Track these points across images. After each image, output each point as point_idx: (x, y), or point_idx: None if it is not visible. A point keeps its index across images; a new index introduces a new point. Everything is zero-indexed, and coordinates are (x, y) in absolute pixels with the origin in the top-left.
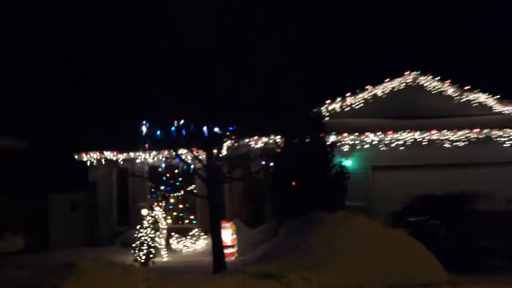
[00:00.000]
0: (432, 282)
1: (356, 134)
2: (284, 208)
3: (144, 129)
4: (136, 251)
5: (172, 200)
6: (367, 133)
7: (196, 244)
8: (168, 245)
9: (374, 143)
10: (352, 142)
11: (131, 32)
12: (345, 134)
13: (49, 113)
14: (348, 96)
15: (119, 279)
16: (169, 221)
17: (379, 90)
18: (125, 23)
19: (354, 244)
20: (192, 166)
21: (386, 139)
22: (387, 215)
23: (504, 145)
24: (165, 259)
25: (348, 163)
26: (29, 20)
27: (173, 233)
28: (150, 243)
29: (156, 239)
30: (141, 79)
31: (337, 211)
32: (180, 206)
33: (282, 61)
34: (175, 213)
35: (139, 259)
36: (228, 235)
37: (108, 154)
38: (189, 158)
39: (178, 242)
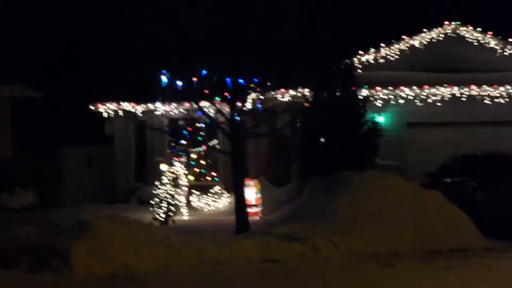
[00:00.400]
0: (469, 247)
1: (391, 88)
2: (311, 166)
3: (164, 79)
4: (155, 209)
5: (193, 156)
6: (402, 87)
7: (218, 202)
8: (188, 203)
9: (409, 98)
10: (386, 96)
11: None
12: (379, 88)
13: (63, 61)
14: (382, 47)
15: (136, 239)
16: (190, 177)
17: (416, 41)
18: None
19: (386, 206)
20: (214, 120)
21: (423, 93)
22: (423, 176)
23: None
24: (185, 218)
25: (381, 119)
26: None
27: (194, 191)
28: (170, 200)
29: (176, 196)
30: (161, 28)
31: (367, 170)
32: (202, 162)
33: (312, 7)
34: (196, 170)
35: (158, 217)
36: (252, 193)
37: (126, 105)
38: (211, 111)
39: (199, 200)
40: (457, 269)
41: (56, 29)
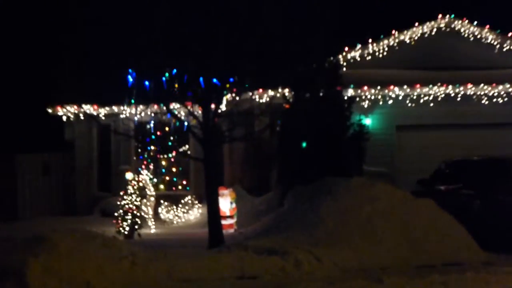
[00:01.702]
0: (465, 261)
1: (379, 87)
2: (292, 173)
3: (130, 79)
4: (119, 221)
5: (162, 163)
6: (391, 86)
7: (189, 214)
8: (156, 214)
9: (399, 98)
10: (374, 97)
11: None
12: (366, 88)
13: (18, 60)
14: (370, 42)
15: (98, 254)
16: (160, 186)
17: (406, 36)
18: None
19: (374, 216)
20: (186, 123)
21: (414, 93)
22: (414, 183)
23: None
24: (152, 231)
25: (368, 121)
26: None
27: (162, 201)
28: (135, 212)
29: (143, 207)
30: (126, 23)
31: (354, 177)
32: (172, 169)
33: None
34: (165, 178)
35: (122, 231)
36: (226, 203)
37: (88, 108)
38: (182, 114)
39: (168, 211)
40: (452, 285)
41: (10, 24)
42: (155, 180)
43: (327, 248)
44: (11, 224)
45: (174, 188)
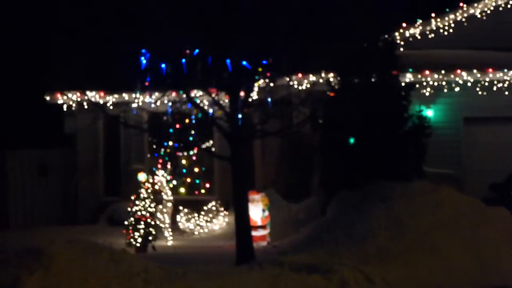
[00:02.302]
0: None
1: (443, 71)
2: (337, 176)
3: (143, 61)
4: (130, 231)
5: (181, 162)
6: (458, 71)
7: (213, 223)
8: (174, 223)
9: (468, 84)
10: (437, 83)
11: None
12: (427, 72)
13: (10, 37)
14: (433, 17)
15: (104, 271)
16: (179, 190)
17: (477, 9)
18: None
19: (436, 228)
20: (210, 114)
21: (486, 79)
22: (485, 188)
23: None
24: (169, 243)
25: (430, 113)
26: None
27: (181, 207)
28: (149, 220)
29: (158, 215)
30: None
31: (412, 180)
32: (193, 170)
33: None
34: (185, 180)
35: (133, 243)
36: (258, 211)
37: (93, 95)
38: (206, 103)
39: (188, 220)
40: None
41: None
42: (173, 182)
43: (379, 265)
44: (0, 233)
45: (196, 192)
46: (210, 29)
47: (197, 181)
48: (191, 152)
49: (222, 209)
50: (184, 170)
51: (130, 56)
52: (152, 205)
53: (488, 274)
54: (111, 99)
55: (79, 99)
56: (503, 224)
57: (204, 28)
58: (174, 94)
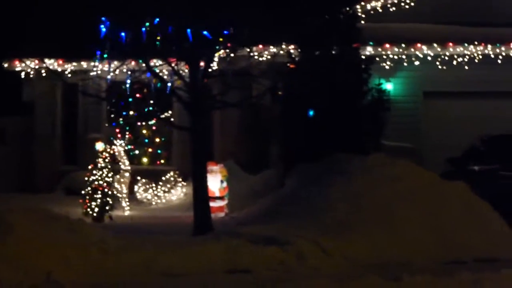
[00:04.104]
0: (501, 256)
1: (403, 45)
2: (297, 148)
3: (102, 29)
4: (87, 201)
5: (140, 132)
6: (418, 44)
7: (171, 194)
8: (132, 193)
9: (428, 58)
10: (397, 56)
11: None
12: (388, 45)
13: None
14: None
15: (62, 240)
16: (136, 160)
17: None
18: None
19: (394, 202)
20: (169, 84)
21: (446, 53)
22: (443, 162)
23: None
24: (127, 214)
25: (389, 86)
26: None
27: (139, 178)
28: (106, 190)
29: (115, 184)
30: None
31: (370, 154)
32: (152, 140)
33: None
34: (146, 150)
35: (90, 212)
36: (216, 182)
37: (51, 63)
38: (165, 73)
39: (145, 190)
40: (485, 285)
41: None
42: (134, 152)
43: (337, 238)
44: None
45: (155, 162)
46: None
47: (159, 151)
48: (151, 122)
49: (180, 179)
50: (145, 140)
51: (90, 24)
52: (110, 174)
53: (444, 247)
54: (69, 67)
55: (37, 67)
56: (461, 198)
57: None
58: (133, 63)
